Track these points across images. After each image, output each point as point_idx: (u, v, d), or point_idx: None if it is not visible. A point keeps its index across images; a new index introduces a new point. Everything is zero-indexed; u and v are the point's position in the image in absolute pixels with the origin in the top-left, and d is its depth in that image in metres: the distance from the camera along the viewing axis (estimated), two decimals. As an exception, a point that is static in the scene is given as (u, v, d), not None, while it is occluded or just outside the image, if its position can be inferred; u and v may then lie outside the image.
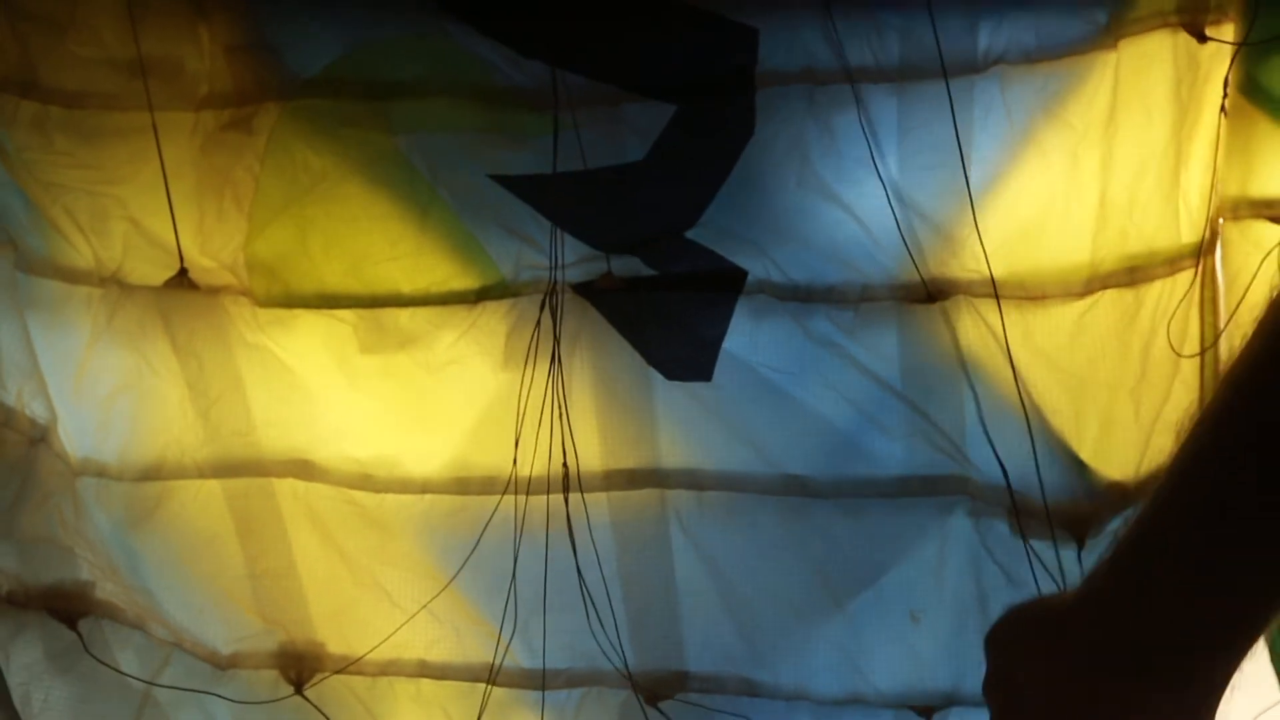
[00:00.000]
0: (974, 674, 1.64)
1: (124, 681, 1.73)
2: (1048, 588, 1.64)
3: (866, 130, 1.61)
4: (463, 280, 1.69)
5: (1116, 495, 1.70)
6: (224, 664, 1.75)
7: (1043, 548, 1.67)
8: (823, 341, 1.71)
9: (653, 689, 1.70)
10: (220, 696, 1.72)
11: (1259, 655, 1.77)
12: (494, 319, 1.71)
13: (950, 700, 1.72)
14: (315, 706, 1.70)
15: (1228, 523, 0.90)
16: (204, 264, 1.76)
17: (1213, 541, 0.90)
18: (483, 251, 1.70)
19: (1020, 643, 1.07)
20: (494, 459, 1.73)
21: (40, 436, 1.73)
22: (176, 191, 1.69)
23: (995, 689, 1.12)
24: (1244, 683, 1.07)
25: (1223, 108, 1.61)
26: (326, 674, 1.70)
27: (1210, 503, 0.90)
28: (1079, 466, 1.71)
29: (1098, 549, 1.70)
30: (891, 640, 1.74)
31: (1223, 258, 1.66)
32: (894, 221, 1.67)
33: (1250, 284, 1.60)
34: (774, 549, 1.74)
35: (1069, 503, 1.69)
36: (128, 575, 1.73)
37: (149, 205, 1.71)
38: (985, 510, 1.69)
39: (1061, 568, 1.64)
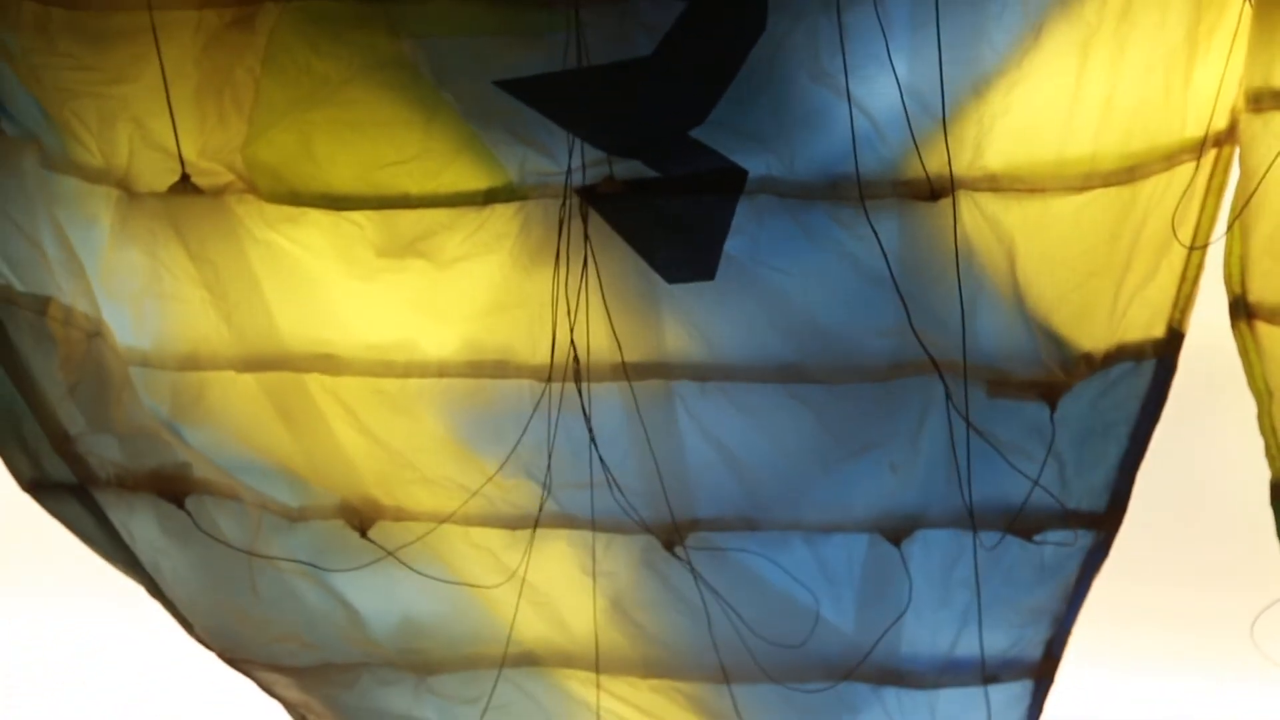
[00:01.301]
0: (938, 505, 1.58)
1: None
2: (1024, 439, 1.60)
3: (882, 24, 1.45)
4: (470, 183, 1.55)
5: (1085, 364, 1.55)
6: (296, 516, 1.71)
7: (1017, 405, 1.59)
8: (823, 239, 1.53)
9: (668, 535, 1.64)
10: (314, 566, 1.71)
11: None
12: (502, 220, 1.56)
13: (915, 524, 1.64)
14: (379, 545, 1.68)
15: None
16: (205, 166, 1.58)
17: None
18: (490, 155, 1.54)
19: None
20: (505, 346, 1.63)
21: (95, 330, 1.66)
22: (178, 94, 1.53)
23: None
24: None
25: (1248, -2, 1.36)
26: (386, 521, 1.70)
27: None
28: (1056, 341, 1.55)
29: (1067, 407, 1.58)
30: (870, 484, 1.64)
31: (1242, 149, 1.47)
32: (902, 117, 1.47)
33: (1267, 177, 1.42)
34: (771, 427, 1.61)
35: (1045, 372, 1.56)
36: (200, 452, 1.72)
37: (153, 107, 1.56)
38: (968, 383, 1.57)
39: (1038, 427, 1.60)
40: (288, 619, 1.74)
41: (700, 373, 1.58)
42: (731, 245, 1.52)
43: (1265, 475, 1.52)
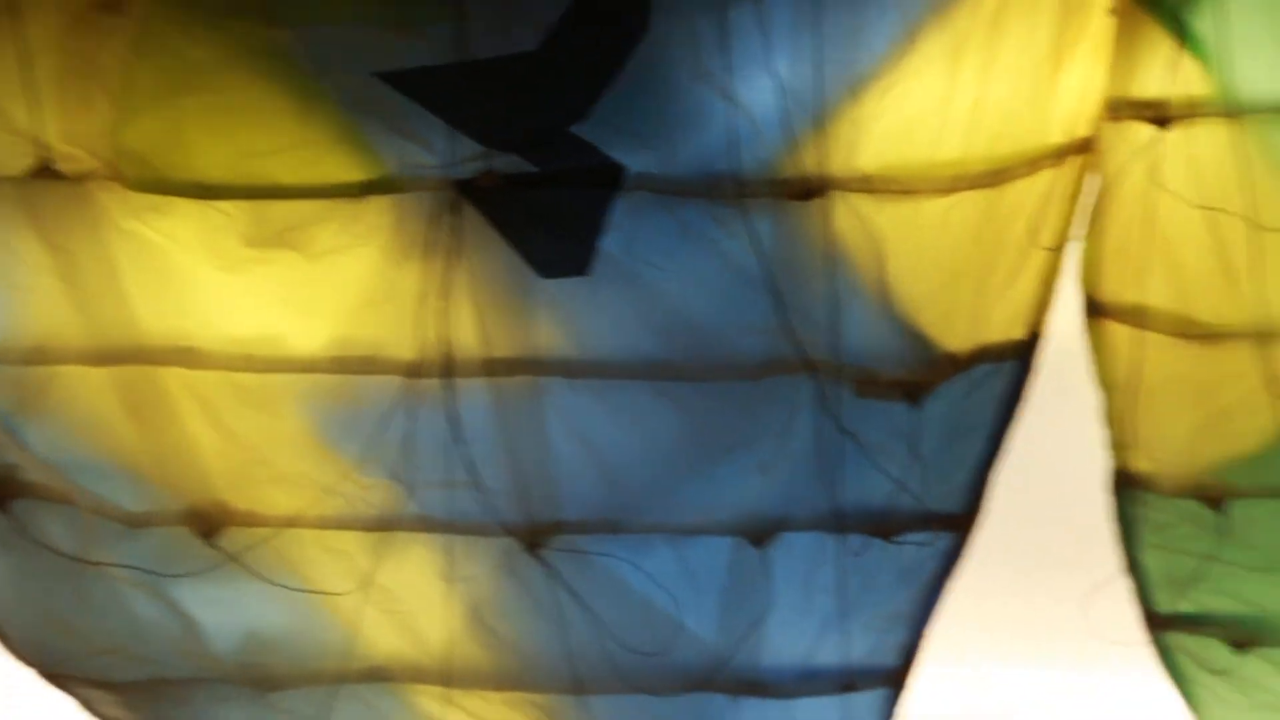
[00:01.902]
0: (802, 508, 1.54)
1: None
2: (888, 440, 1.55)
3: (763, 26, 1.41)
4: (347, 174, 1.46)
5: (949, 363, 1.53)
6: (136, 523, 1.54)
7: (883, 405, 1.52)
8: (699, 236, 1.48)
9: (531, 538, 1.51)
10: (152, 573, 1.53)
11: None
12: (377, 213, 1.46)
13: (779, 527, 1.55)
14: (227, 554, 1.52)
15: None
16: (67, 152, 1.45)
17: None
18: (368, 147, 1.46)
19: None
20: (374, 341, 1.50)
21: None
22: (39, 75, 1.39)
23: None
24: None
25: (1111, 9, 1.45)
26: (233, 528, 1.52)
27: None
28: (922, 341, 1.52)
29: (930, 407, 1.53)
30: (737, 485, 1.55)
31: (1101, 155, 1.46)
32: (780, 118, 1.43)
33: (1122, 183, 1.44)
34: (639, 426, 1.53)
35: (910, 372, 1.51)
36: (33, 452, 1.54)
37: (9, 89, 1.41)
38: (835, 382, 1.50)
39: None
40: (115, 630, 1.73)
41: (571, 370, 1.60)
42: (607, 242, 1.53)
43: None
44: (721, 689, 1.65)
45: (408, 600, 1.61)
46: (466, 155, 1.44)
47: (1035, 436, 1.73)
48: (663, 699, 1.65)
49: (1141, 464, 1.55)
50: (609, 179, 1.46)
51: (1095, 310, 1.55)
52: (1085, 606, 1.58)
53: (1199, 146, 1.46)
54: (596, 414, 1.55)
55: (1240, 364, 1.51)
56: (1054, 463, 1.79)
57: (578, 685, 1.62)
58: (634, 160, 1.46)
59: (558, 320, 1.52)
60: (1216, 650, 1.58)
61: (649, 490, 1.59)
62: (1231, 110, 1.45)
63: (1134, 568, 1.58)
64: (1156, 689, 1.63)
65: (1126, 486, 1.56)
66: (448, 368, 1.49)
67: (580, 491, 1.58)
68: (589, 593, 1.60)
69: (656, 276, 1.50)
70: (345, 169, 1.46)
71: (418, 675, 1.64)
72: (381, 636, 1.62)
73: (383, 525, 1.57)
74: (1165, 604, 1.58)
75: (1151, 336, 1.52)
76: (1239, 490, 1.54)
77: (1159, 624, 1.59)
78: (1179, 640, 1.59)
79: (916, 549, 1.63)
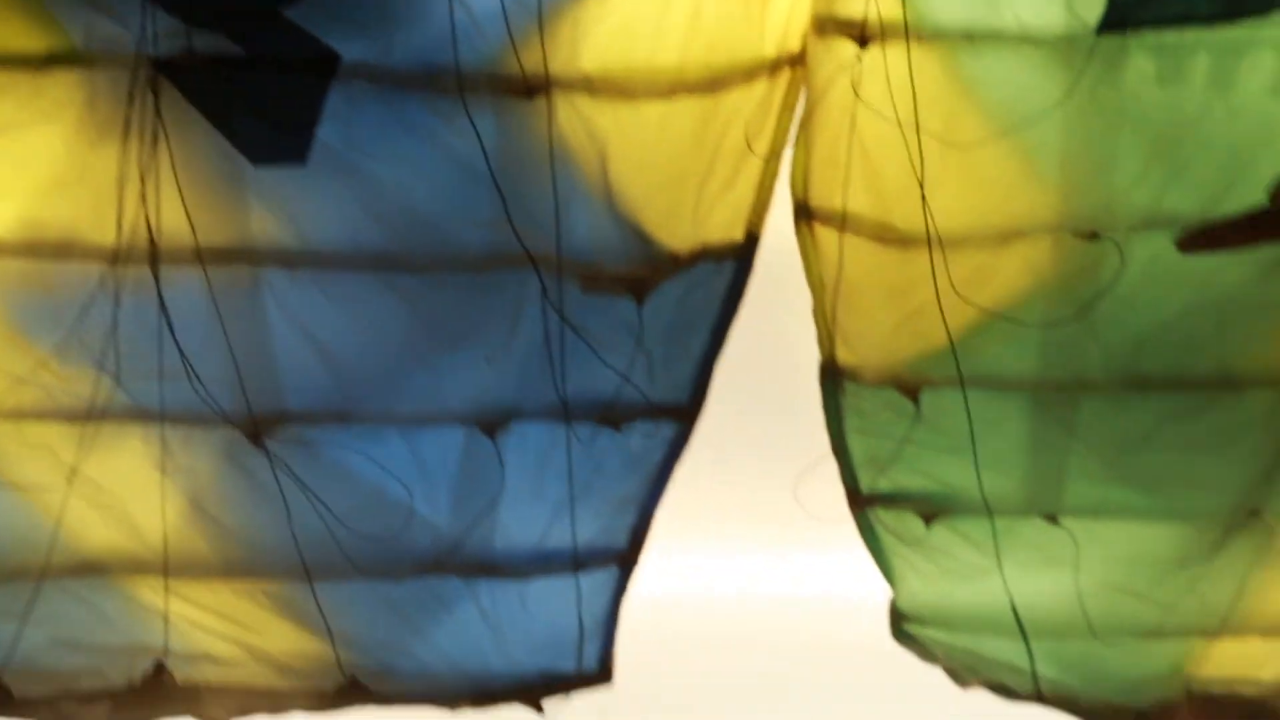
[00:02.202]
0: (532, 398, 1.50)
1: None
2: (614, 334, 1.56)
3: None
4: (24, 43, 1.35)
5: (671, 262, 1.53)
6: None
7: (608, 300, 1.53)
8: (420, 129, 1.42)
9: (254, 428, 1.47)
10: None
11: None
12: (64, 88, 1.35)
13: (511, 416, 1.54)
14: None
15: None
16: None
17: None
18: (49, 16, 1.34)
19: None
20: (68, 225, 1.41)
21: None
22: None
23: None
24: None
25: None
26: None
27: None
28: (645, 240, 1.51)
29: (654, 303, 1.55)
30: (466, 377, 1.52)
31: (809, 70, 1.48)
32: (500, 13, 1.39)
33: (828, 96, 1.48)
34: (365, 318, 1.48)
35: (634, 269, 1.51)
36: None
37: None
38: (560, 277, 1.49)
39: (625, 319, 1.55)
40: None
41: (290, 260, 1.46)
42: (324, 131, 1.40)
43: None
44: (455, 571, 1.61)
45: (120, 492, 1.52)
46: (164, 31, 1.33)
47: (755, 331, 1.78)
48: (396, 583, 1.59)
49: (846, 357, 1.55)
50: (324, 66, 1.36)
51: (803, 215, 1.53)
52: (796, 488, 1.60)
53: (895, 66, 1.44)
54: (319, 305, 1.47)
55: (929, 267, 1.51)
56: (772, 356, 1.85)
57: (307, 572, 1.56)
58: (350, 49, 1.37)
59: (274, 210, 1.43)
60: (910, 522, 1.62)
61: (377, 381, 1.53)
62: (922, 33, 1.44)
63: (840, 451, 1.60)
64: (860, 566, 1.66)
65: (833, 377, 1.57)
66: (153, 255, 1.39)
67: (305, 383, 1.51)
68: (317, 482, 1.53)
69: (377, 168, 1.42)
70: (23, 37, 1.33)
71: (136, 567, 1.55)
72: (93, 530, 1.53)
73: (89, 417, 1.47)
74: (867, 483, 1.60)
75: (853, 240, 1.51)
76: (930, 381, 1.56)
77: (861, 502, 1.61)
78: (878, 515, 1.62)
79: (643, 437, 1.59)
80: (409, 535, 1.58)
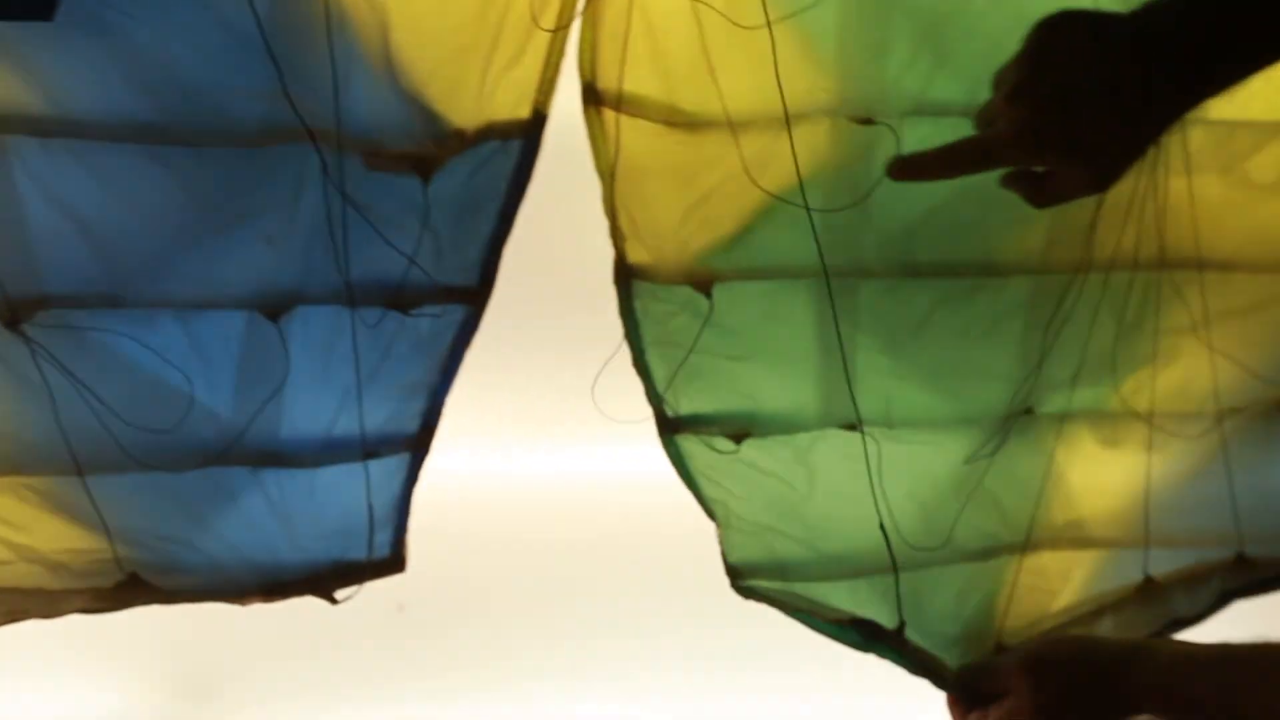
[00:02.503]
0: (316, 281, 1.43)
1: None
2: (399, 214, 1.48)
3: None
4: None
5: (457, 139, 1.45)
6: None
7: (393, 179, 1.45)
8: None
9: (9, 313, 1.36)
10: None
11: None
12: None
13: (294, 300, 1.46)
14: None
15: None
16: None
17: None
18: None
19: (1071, 28, 1.13)
20: None
21: None
22: None
23: (1030, 61, 1.14)
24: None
25: None
26: None
27: None
28: (430, 115, 1.44)
29: (440, 183, 1.47)
30: (245, 258, 1.44)
31: None
32: None
33: None
34: (131, 194, 1.36)
35: (418, 146, 1.43)
36: None
37: None
38: (342, 153, 1.41)
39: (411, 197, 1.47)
40: None
41: (41, 128, 1.28)
42: None
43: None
44: (240, 461, 1.52)
45: None
46: None
47: (550, 216, 1.74)
48: (176, 475, 1.49)
49: (638, 253, 1.46)
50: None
51: (590, 97, 1.44)
52: (594, 388, 1.51)
53: None
54: (79, 179, 1.33)
55: (717, 150, 1.46)
56: (567, 242, 1.80)
57: (78, 466, 1.45)
58: None
59: (19, 70, 1.27)
60: (720, 445, 1.55)
61: (149, 263, 1.40)
62: None
63: (640, 368, 1.51)
64: (659, 459, 1.57)
65: (627, 277, 1.46)
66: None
67: (68, 264, 1.37)
68: (86, 371, 1.41)
69: (137, 29, 1.28)
70: None
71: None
72: None
73: None
74: (671, 405, 1.51)
75: (639, 123, 1.43)
76: (721, 274, 1.48)
77: (668, 427, 1.53)
78: (688, 442, 1.54)
79: (432, 321, 1.51)
80: (189, 425, 1.46)
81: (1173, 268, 1.63)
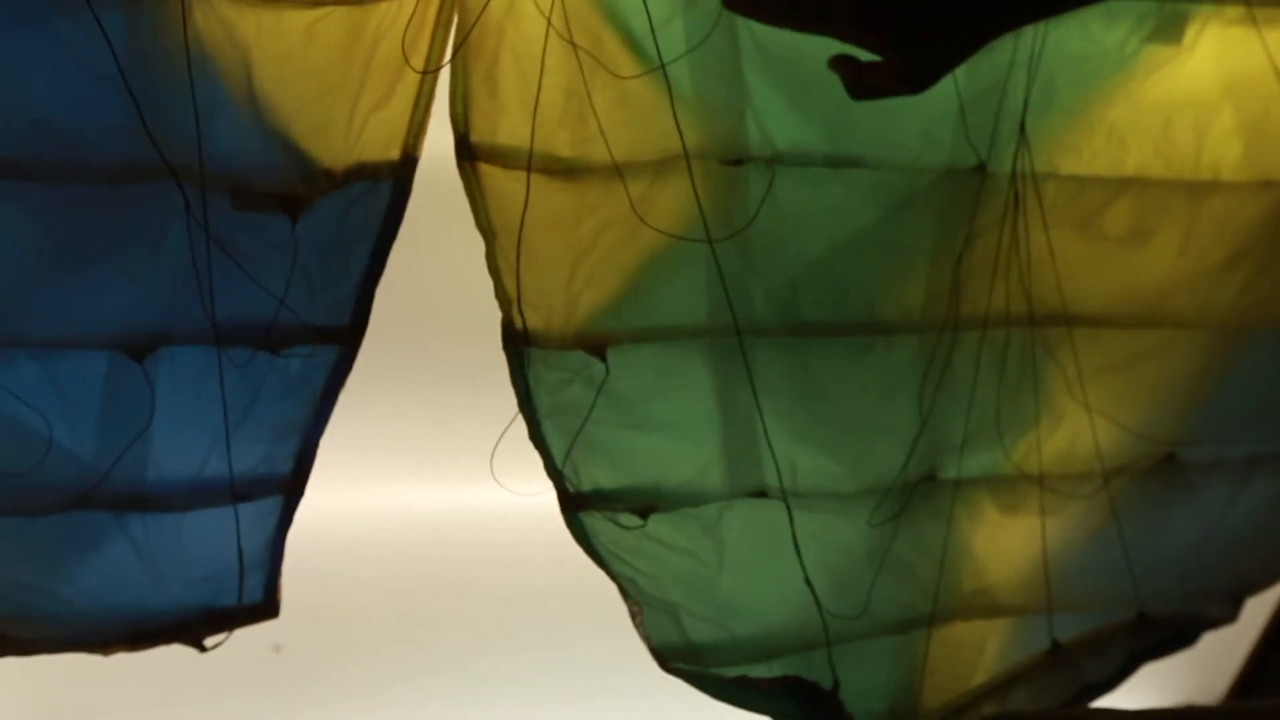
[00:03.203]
0: (182, 320, 1.39)
1: None
2: (268, 253, 1.43)
3: None
4: None
5: (326, 180, 1.44)
6: None
7: (261, 218, 1.42)
8: (39, 25, 1.28)
9: None
10: None
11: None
12: None
13: (160, 340, 1.43)
14: None
15: None
16: None
17: None
18: None
19: None
20: None
21: None
22: None
23: None
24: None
25: None
26: None
27: None
28: (297, 154, 1.42)
29: (310, 222, 1.44)
30: (108, 297, 1.41)
31: None
32: None
33: (484, 16, 1.39)
34: None
35: (286, 185, 1.41)
36: None
37: None
38: (208, 191, 1.39)
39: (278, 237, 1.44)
40: None
41: None
42: None
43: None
44: (104, 505, 1.48)
45: None
46: None
47: (426, 257, 1.73)
48: (36, 520, 1.46)
49: (527, 318, 1.42)
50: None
51: (465, 151, 1.42)
52: (492, 459, 1.45)
53: None
54: None
55: (598, 196, 1.45)
56: (448, 285, 1.79)
57: None
58: None
59: None
60: (626, 522, 1.50)
61: (4, 301, 1.38)
62: None
63: (537, 440, 1.45)
64: (539, 502, 1.51)
65: (515, 344, 1.42)
66: None
67: None
68: None
69: None
70: None
71: None
72: None
73: None
74: (572, 481, 1.46)
75: (518, 175, 1.42)
76: (614, 335, 1.45)
77: (571, 504, 1.47)
78: (592, 520, 1.49)
79: (303, 361, 1.50)
80: (48, 468, 1.43)
81: (1043, 324, 1.65)
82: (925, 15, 1.12)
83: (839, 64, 1.20)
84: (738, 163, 1.49)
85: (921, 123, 1.55)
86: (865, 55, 1.19)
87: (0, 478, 1.43)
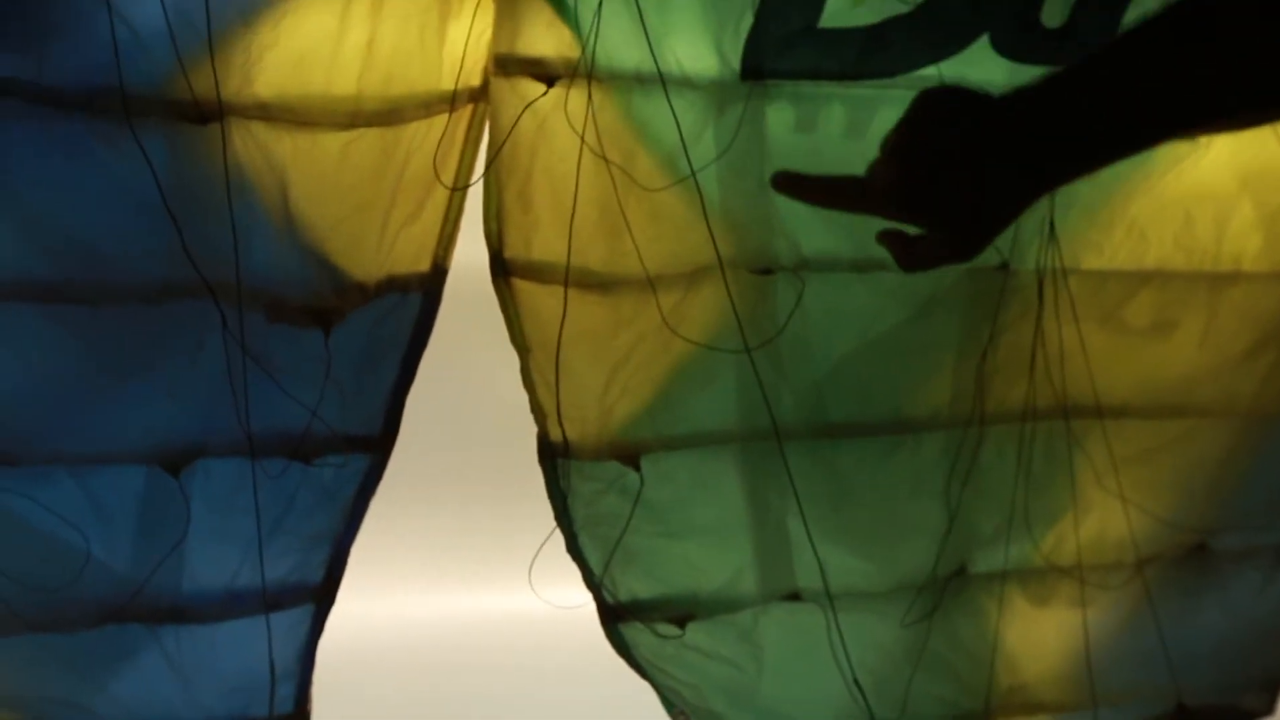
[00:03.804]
0: (218, 433, 1.42)
1: None
2: (301, 365, 1.47)
3: None
4: None
5: (358, 292, 1.48)
6: None
7: (295, 331, 1.46)
8: (83, 154, 1.31)
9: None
10: None
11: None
12: None
13: (196, 453, 1.45)
14: None
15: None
16: None
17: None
18: None
19: (947, 103, 1.18)
20: None
21: None
22: None
23: (908, 129, 1.19)
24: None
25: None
26: None
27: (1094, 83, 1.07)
28: (330, 269, 1.45)
29: (342, 334, 1.48)
30: (145, 412, 1.43)
31: (493, 108, 1.46)
32: (167, 35, 1.31)
33: (515, 135, 1.45)
34: (28, 351, 1.38)
35: (319, 299, 1.45)
36: None
37: None
38: (244, 307, 1.42)
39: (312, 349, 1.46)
40: None
41: None
42: None
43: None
44: (138, 618, 1.50)
45: None
46: None
47: (456, 365, 1.76)
48: (72, 636, 1.47)
49: (563, 430, 1.44)
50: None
51: (500, 268, 1.44)
52: (529, 570, 1.46)
53: (578, 106, 1.42)
54: None
55: (632, 309, 1.48)
56: (478, 393, 1.82)
57: None
58: (5, 64, 1.26)
59: None
60: (665, 632, 1.51)
61: (44, 419, 1.41)
62: (599, 75, 1.43)
63: (575, 553, 1.47)
64: (572, 613, 1.53)
65: (551, 457, 1.44)
66: None
67: None
68: None
69: (35, 194, 1.31)
70: None
71: None
72: None
73: None
74: (610, 592, 1.47)
75: (554, 290, 1.44)
76: (646, 445, 1.47)
77: (610, 615, 1.48)
78: (633, 630, 1.49)
79: (335, 470, 1.52)
80: (84, 583, 1.44)
81: (1072, 416, 1.66)
82: (961, 189, 1.16)
83: (887, 239, 1.25)
84: (767, 272, 1.51)
85: (944, 227, 1.57)
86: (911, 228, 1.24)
87: (38, 594, 1.42)
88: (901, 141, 1.23)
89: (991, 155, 1.15)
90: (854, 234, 1.53)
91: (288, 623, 1.57)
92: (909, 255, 1.25)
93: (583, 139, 1.42)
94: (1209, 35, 1.04)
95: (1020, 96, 1.15)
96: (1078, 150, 1.13)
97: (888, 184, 1.22)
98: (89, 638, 1.49)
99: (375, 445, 1.55)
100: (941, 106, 1.21)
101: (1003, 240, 1.62)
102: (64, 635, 1.47)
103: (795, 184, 1.34)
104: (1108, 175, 1.62)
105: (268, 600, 1.55)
